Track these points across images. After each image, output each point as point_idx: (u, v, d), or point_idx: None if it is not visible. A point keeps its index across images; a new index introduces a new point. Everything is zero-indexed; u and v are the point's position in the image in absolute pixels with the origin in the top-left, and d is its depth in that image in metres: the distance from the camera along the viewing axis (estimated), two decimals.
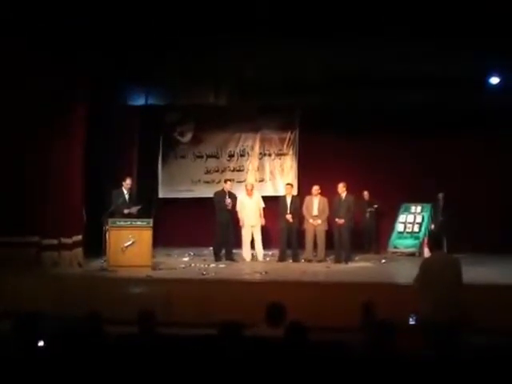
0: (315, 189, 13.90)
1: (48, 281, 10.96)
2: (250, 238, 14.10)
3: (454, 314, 6.86)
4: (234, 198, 14.01)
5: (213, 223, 13.93)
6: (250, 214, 14.05)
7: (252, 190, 14.33)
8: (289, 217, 13.83)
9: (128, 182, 13.00)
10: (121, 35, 11.52)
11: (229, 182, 14.29)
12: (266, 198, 14.44)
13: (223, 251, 13.85)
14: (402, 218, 15.40)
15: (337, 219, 13.60)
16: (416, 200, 15.33)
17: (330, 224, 13.86)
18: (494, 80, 13.52)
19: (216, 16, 10.61)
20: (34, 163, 11.78)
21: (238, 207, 14.08)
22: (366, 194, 15.41)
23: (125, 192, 12.89)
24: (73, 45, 11.70)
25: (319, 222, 13.76)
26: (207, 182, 16.20)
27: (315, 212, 13.81)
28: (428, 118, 14.96)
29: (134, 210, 12.74)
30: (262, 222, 14.10)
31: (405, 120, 15.03)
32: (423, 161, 15.56)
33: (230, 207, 13.83)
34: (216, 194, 14.16)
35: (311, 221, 13.78)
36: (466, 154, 15.43)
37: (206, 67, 12.80)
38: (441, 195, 14.83)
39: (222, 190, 14.14)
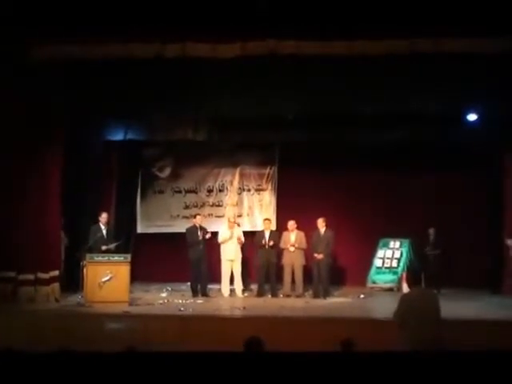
0: (291, 224, 13.96)
1: (24, 316, 10.83)
2: (229, 273, 14.03)
3: (432, 349, 6.84)
4: (205, 231, 13.92)
5: (188, 259, 13.85)
6: (230, 248, 14.02)
7: (234, 223, 14.34)
8: (269, 243, 13.88)
9: (104, 217, 13.02)
10: (99, 71, 11.53)
11: (198, 217, 14.24)
12: (243, 233, 14.40)
13: (200, 287, 13.77)
14: (380, 253, 15.40)
15: (315, 254, 13.61)
16: (394, 235, 15.34)
17: (308, 259, 13.87)
18: (472, 117, 13.66)
19: (194, 53, 10.68)
20: (9, 198, 11.71)
21: (220, 240, 14.07)
22: None
23: (102, 227, 12.90)
24: (48, 83, 11.71)
25: (297, 245, 13.79)
26: (186, 217, 16.09)
27: (291, 248, 13.85)
28: (405, 155, 15.09)
29: (112, 246, 12.75)
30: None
31: (382, 156, 15.14)
32: (401, 196, 15.66)
33: (209, 236, 13.79)
34: (188, 230, 14.04)
35: (289, 246, 13.80)
36: (445, 190, 15.52)
37: (185, 103, 12.83)
38: (432, 230, 14.74)
39: (194, 225, 14.05)
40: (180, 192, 16.58)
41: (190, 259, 13.77)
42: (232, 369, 5.29)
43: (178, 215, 16.23)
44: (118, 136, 15.10)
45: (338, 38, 10.28)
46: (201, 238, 13.75)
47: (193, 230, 13.94)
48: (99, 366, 5.34)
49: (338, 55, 10.45)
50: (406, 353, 6.02)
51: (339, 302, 13.32)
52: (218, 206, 16.47)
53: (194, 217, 14.35)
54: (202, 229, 13.94)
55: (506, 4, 9.79)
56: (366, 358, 5.58)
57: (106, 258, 12.26)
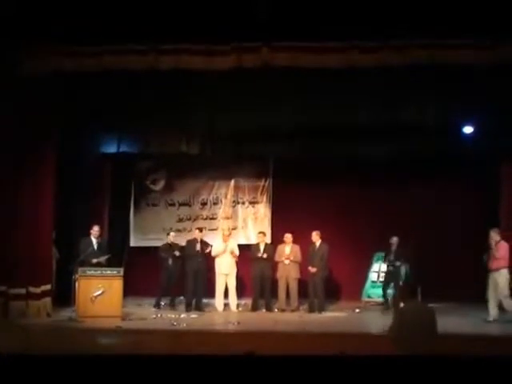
0: (287, 237, 13.87)
1: (15, 331, 10.70)
2: (223, 287, 13.95)
3: None
4: (205, 245, 13.90)
5: (185, 272, 13.75)
6: (225, 262, 13.93)
7: (229, 235, 14.26)
8: (264, 255, 13.80)
9: (96, 230, 12.92)
10: (93, 83, 11.48)
11: (198, 230, 14.24)
12: (238, 246, 14.31)
13: (194, 301, 13.66)
14: (375, 267, 15.25)
15: (309, 267, 13.52)
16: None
17: (303, 272, 13.78)
18: (468, 129, 13.61)
19: (188, 65, 10.64)
20: (0, 212, 11.59)
21: (214, 253, 13.98)
22: None
23: (93, 241, 12.82)
24: (41, 94, 11.63)
25: (292, 258, 13.71)
26: (179, 231, 15.95)
27: (286, 261, 13.75)
28: (402, 168, 15.00)
29: (103, 259, 12.65)
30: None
31: (378, 169, 15.07)
32: (396, 209, 15.56)
33: (208, 250, 13.79)
34: (188, 242, 14.07)
35: (284, 259, 13.73)
36: (440, 203, 15.43)
37: (179, 115, 12.76)
38: (394, 239, 14.17)
39: (194, 238, 14.03)
40: (173, 205, 16.49)
41: (187, 272, 13.70)
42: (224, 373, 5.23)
43: (171, 228, 16.03)
44: (112, 148, 15.02)
45: (332, 50, 10.25)
46: (199, 251, 13.69)
47: (192, 242, 13.90)
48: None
49: (332, 67, 10.41)
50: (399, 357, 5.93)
51: (335, 316, 13.23)
52: (212, 219, 16.36)
53: (200, 230, 14.32)
54: (203, 242, 13.87)
55: (500, 15, 9.76)
56: (361, 361, 5.50)
57: (99, 272, 12.16)
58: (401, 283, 13.97)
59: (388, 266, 14.18)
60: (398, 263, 14.00)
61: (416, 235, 14.72)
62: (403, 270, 14.29)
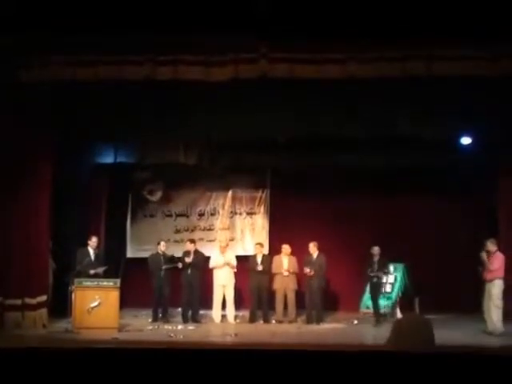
0: (285, 248, 13.82)
1: (10, 342, 10.63)
2: (221, 299, 13.90)
3: None
4: (200, 255, 13.87)
5: (180, 283, 13.71)
6: (222, 273, 13.89)
7: (226, 247, 14.21)
8: (259, 267, 13.74)
9: (94, 241, 12.91)
10: (90, 94, 11.44)
11: (192, 241, 14.23)
12: (236, 258, 14.26)
13: (191, 312, 13.61)
14: None
15: (305, 268, 13.49)
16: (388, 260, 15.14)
17: (300, 283, 13.72)
18: (466, 140, 13.59)
19: (185, 76, 10.62)
20: None
21: (211, 265, 13.94)
22: None
23: (91, 251, 12.80)
24: (36, 104, 11.61)
25: (291, 270, 13.69)
26: (176, 242, 15.92)
27: (285, 273, 13.70)
28: (401, 178, 14.96)
29: (100, 270, 12.62)
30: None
31: (378, 180, 15.06)
32: (395, 221, 15.51)
33: (190, 260, 13.66)
34: (184, 253, 14.01)
35: (283, 271, 13.72)
36: (440, 214, 15.39)
37: (176, 126, 12.72)
38: (376, 249, 13.96)
39: (188, 250, 13.98)
40: (171, 216, 16.43)
41: (182, 283, 13.70)
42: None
43: (169, 239, 15.89)
44: (108, 159, 14.97)
45: (330, 61, 10.24)
46: (191, 263, 13.64)
47: (185, 254, 13.89)
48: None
49: (330, 78, 10.39)
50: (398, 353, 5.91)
51: (333, 327, 13.17)
52: (210, 230, 16.29)
53: (192, 242, 14.26)
54: (198, 254, 13.87)
55: (500, 27, 9.75)
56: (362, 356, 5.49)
57: (95, 283, 12.12)
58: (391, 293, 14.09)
59: (371, 278, 14.02)
60: (381, 274, 13.95)
61: (415, 246, 14.74)
62: (398, 279, 14.42)
